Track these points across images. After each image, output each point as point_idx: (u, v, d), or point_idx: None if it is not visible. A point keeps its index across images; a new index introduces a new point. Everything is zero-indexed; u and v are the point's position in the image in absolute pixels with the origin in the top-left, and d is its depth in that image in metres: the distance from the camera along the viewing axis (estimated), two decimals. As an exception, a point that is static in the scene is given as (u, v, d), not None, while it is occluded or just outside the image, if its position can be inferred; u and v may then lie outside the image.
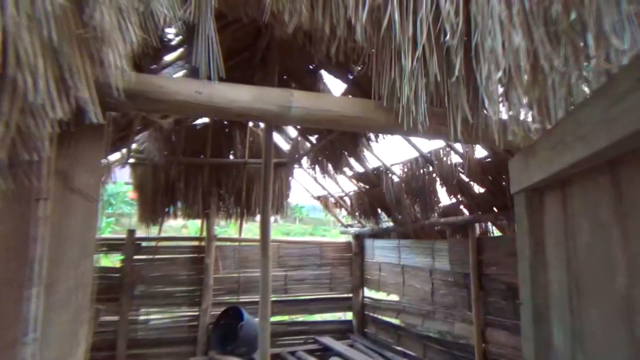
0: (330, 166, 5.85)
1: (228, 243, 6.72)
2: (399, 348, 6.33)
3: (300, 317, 6.93)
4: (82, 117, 0.89)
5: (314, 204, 8.06)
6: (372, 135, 5.12)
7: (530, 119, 1.35)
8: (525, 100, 1.35)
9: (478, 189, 4.62)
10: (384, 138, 5.04)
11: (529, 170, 1.41)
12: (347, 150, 5.42)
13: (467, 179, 4.52)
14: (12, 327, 0.88)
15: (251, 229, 7.70)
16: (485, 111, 1.33)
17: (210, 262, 6.24)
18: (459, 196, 4.90)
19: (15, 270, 0.88)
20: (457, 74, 1.29)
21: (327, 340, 6.57)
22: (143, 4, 0.84)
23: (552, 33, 1.40)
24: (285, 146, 6.45)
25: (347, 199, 6.71)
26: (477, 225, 5.06)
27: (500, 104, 1.35)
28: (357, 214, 6.56)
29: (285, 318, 6.81)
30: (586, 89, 1.38)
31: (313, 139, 5.77)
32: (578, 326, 1.12)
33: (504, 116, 1.41)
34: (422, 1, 1.25)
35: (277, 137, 6.23)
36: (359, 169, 5.81)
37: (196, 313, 6.19)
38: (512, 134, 1.33)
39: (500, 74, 1.31)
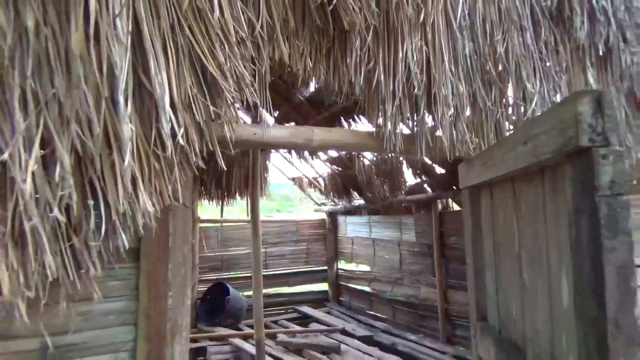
0: (305, 151, 6.48)
1: (211, 225, 7.29)
2: (371, 312, 7.17)
3: (281, 290, 7.65)
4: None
5: (279, 181, 8.63)
6: (344, 123, 5.77)
7: (470, 141, 2.04)
8: (466, 128, 2.04)
9: (439, 170, 5.39)
10: (356, 126, 5.70)
11: (470, 175, 2.11)
12: (334, 125, 6.06)
13: (430, 162, 5.27)
14: (163, 287, 1.51)
15: (229, 210, 8.27)
16: (441, 136, 2.01)
17: (195, 243, 6.82)
18: (422, 176, 5.68)
19: (163, 252, 1.50)
20: (422, 113, 1.96)
21: (306, 309, 7.34)
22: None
23: (486, 81, 2.08)
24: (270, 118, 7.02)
25: (320, 180, 7.38)
26: (439, 202, 5.86)
27: (451, 131, 2.03)
28: (330, 193, 7.26)
29: (267, 291, 7.51)
30: (507, 121, 2.09)
31: (276, 114, 6.36)
32: (498, 276, 1.84)
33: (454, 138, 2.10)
34: (399, 66, 1.89)
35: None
36: (333, 153, 6.47)
37: (184, 290, 6.80)
38: (459, 151, 2.02)
39: (451, 111, 1.99)
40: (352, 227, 7.59)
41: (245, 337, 5.92)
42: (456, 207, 5.83)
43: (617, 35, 2.32)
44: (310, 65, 1.75)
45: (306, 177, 7.48)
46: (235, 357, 5.63)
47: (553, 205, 1.18)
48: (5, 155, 1.07)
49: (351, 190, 7.05)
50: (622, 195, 0.95)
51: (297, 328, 6.50)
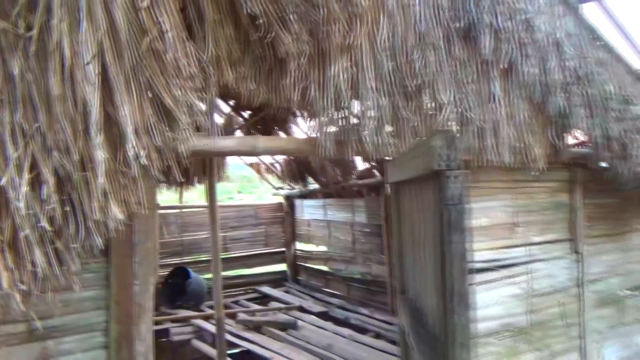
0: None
1: (170, 211, 7.52)
2: (327, 290, 7.64)
3: (241, 272, 8.01)
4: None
5: (239, 162, 8.85)
6: (298, 112, 6.11)
7: (392, 144, 2.44)
8: (389, 134, 2.43)
9: (386, 157, 5.83)
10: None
11: (393, 172, 2.52)
12: (277, 125, 6.37)
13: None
14: (130, 277, 1.85)
15: (189, 195, 8.50)
16: (366, 140, 2.39)
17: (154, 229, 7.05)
18: (371, 162, 6.11)
19: (129, 249, 1.83)
20: (350, 122, 2.34)
21: (266, 289, 7.74)
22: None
23: (405, 94, 2.48)
24: (219, 120, 7.25)
25: (277, 165, 7.71)
26: (386, 185, 6.32)
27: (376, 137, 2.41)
28: (287, 178, 7.61)
29: (227, 273, 7.85)
30: (423, 127, 2.49)
31: (245, 114, 6.63)
32: (412, 256, 2.27)
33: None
34: (329, 84, 2.25)
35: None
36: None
37: (145, 275, 7.04)
38: (382, 153, 2.42)
39: (374, 120, 2.37)
40: (309, 210, 7.99)
41: (206, 318, 6.27)
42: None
43: (517, 51, 2.76)
44: (253, 87, 2.08)
45: (263, 163, 7.79)
46: (197, 336, 5.99)
47: (431, 201, 1.59)
48: (3, 181, 1.37)
49: (306, 175, 7.42)
50: (461, 204, 1.35)
51: (257, 307, 6.90)
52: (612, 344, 3.62)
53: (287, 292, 7.77)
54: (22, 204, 1.38)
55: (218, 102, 6.12)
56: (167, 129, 1.68)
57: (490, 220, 3.09)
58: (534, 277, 3.26)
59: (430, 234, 1.61)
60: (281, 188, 8.28)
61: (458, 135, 1.94)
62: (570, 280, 3.45)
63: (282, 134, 6.57)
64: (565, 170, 3.41)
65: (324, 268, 7.85)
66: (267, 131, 6.56)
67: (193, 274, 6.96)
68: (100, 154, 1.51)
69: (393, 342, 5.24)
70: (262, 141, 2.25)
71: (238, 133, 7.08)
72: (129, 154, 1.56)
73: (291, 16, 2.00)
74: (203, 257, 7.46)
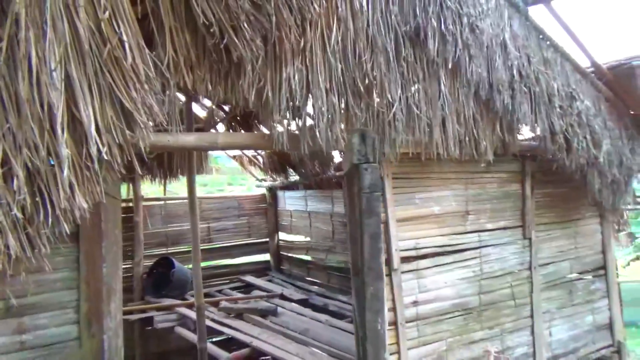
0: (242, 131, 6.97)
1: (154, 202, 7.71)
2: (309, 278, 7.89)
3: (225, 262, 8.23)
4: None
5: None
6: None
7: (343, 138, 2.66)
8: (341, 129, 2.65)
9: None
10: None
11: (345, 164, 2.74)
12: (257, 119, 6.57)
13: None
14: (98, 260, 2.06)
15: (173, 187, 8.69)
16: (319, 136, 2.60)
17: (139, 220, 7.23)
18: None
19: (97, 235, 2.05)
20: (304, 119, 2.55)
21: (249, 278, 7.97)
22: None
23: (355, 93, 2.70)
24: (202, 113, 7.43)
25: (260, 157, 7.91)
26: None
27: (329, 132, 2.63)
28: (269, 170, 7.82)
29: (211, 263, 8.07)
30: (373, 123, 2.71)
31: (226, 108, 6.82)
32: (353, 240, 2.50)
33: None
34: (283, 85, 2.46)
35: (194, 107, 7.18)
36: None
37: (130, 265, 7.22)
38: (334, 147, 2.64)
39: (326, 117, 2.58)
40: (291, 201, 8.21)
41: (190, 306, 6.48)
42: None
43: (463, 52, 2.98)
44: (210, 88, 2.29)
45: (246, 156, 7.99)
46: (180, 323, 6.21)
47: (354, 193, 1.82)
48: None
49: (287, 167, 7.63)
50: (376, 192, 1.58)
51: (239, 295, 7.13)
52: (560, 323, 3.90)
53: (270, 281, 8.00)
54: (4, 198, 1.59)
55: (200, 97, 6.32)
56: (126, 128, 1.89)
57: (443, 208, 3.33)
58: (485, 261, 3.52)
59: (356, 218, 1.84)
60: (264, 180, 8.48)
61: (372, 133, 2.19)
62: (520, 264, 3.71)
63: (262, 127, 6.79)
64: (515, 161, 3.66)
65: (306, 257, 8.09)
66: (247, 124, 6.77)
67: (177, 264, 7.16)
68: (65, 151, 1.72)
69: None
70: (221, 137, 2.47)
71: (220, 126, 7.29)
72: (91, 150, 1.77)
73: (243, 24, 2.21)
74: (187, 248, 7.65)
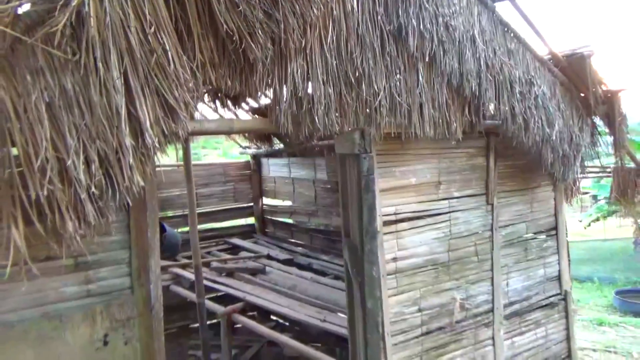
0: (229, 102, 7.43)
1: (144, 169, 8.14)
2: (292, 240, 8.58)
3: (212, 225, 8.83)
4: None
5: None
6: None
7: (338, 123, 3.23)
8: (336, 115, 3.22)
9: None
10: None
11: (339, 146, 3.33)
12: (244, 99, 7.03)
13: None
14: (144, 226, 2.64)
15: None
16: (317, 121, 3.17)
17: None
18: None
19: (143, 205, 2.61)
20: (304, 107, 3.11)
21: (236, 240, 8.61)
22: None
23: (347, 84, 3.25)
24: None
25: (244, 126, 8.38)
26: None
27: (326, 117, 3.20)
28: (253, 138, 8.33)
29: (200, 227, 8.64)
30: (363, 110, 3.29)
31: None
32: (349, 210, 3.13)
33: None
34: (288, 79, 3.00)
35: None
36: (254, 104, 7.47)
37: (123, 229, 7.76)
38: (330, 130, 3.21)
39: (323, 105, 3.14)
40: (274, 168, 8.78)
41: (183, 266, 7.11)
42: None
43: (438, 47, 3.55)
44: (229, 83, 2.83)
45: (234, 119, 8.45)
46: (175, 282, 6.84)
47: (355, 174, 2.42)
48: (69, 163, 2.11)
49: (272, 135, 8.15)
50: (371, 175, 2.17)
51: (228, 256, 7.78)
52: (516, 275, 4.67)
53: (255, 243, 8.66)
54: (81, 177, 2.13)
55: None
56: (171, 121, 2.43)
57: (419, 179, 3.98)
58: (453, 224, 4.21)
59: (355, 193, 2.44)
60: (248, 147, 8.99)
61: (370, 132, 2.80)
62: (484, 226, 4.42)
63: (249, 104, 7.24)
64: (481, 138, 4.31)
65: (289, 221, 8.74)
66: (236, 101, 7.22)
67: (168, 228, 7.72)
68: (128, 141, 2.26)
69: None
70: (236, 123, 3.02)
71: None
72: (146, 140, 2.31)
73: (257, 30, 2.73)
74: (177, 213, 8.19)
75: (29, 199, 2.12)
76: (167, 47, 2.41)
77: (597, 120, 4.79)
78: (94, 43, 2.17)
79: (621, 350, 8.02)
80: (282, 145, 8.21)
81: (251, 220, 9.26)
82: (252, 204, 9.15)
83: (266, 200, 9.28)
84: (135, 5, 2.33)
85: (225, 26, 2.63)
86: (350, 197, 2.79)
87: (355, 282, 2.37)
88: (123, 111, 2.25)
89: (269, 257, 7.72)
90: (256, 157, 9.05)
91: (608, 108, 4.64)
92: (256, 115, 7.69)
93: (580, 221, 13.89)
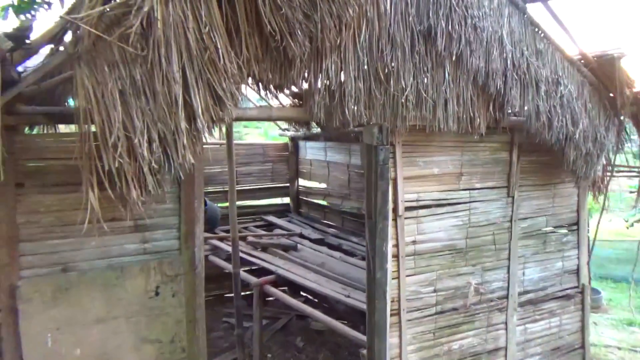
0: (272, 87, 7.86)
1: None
2: (324, 221, 9.02)
3: (250, 202, 9.38)
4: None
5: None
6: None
7: (366, 115, 3.60)
8: (365, 107, 3.59)
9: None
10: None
11: (366, 136, 3.70)
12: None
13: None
14: (191, 197, 3.12)
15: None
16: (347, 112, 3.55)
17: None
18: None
19: (191, 179, 3.09)
20: (336, 99, 3.50)
21: (271, 218, 9.14)
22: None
23: (377, 80, 3.61)
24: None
25: (285, 109, 8.82)
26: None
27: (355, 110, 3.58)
28: (292, 122, 8.77)
29: (238, 203, 9.20)
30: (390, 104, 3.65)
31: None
32: (371, 195, 3.52)
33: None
34: (323, 73, 3.39)
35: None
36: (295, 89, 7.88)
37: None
38: (358, 122, 3.59)
39: (353, 98, 3.52)
40: (311, 151, 9.21)
41: (221, 239, 7.68)
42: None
43: (465, 47, 3.85)
44: (270, 77, 3.25)
45: (272, 107, 8.91)
46: (213, 253, 7.42)
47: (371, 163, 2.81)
48: (136, 140, 2.59)
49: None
50: (386, 164, 2.54)
51: (263, 232, 8.31)
52: (533, 266, 4.96)
53: (289, 221, 9.16)
54: (145, 153, 2.61)
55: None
56: (219, 109, 2.88)
57: (441, 170, 4.31)
58: (473, 213, 4.53)
59: (372, 180, 2.83)
60: (287, 130, 9.44)
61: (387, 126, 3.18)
62: (503, 217, 4.72)
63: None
64: (505, 134, 4.58)
65: (323, 202, 9.18)
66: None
67: (209, 202, 8.30)
68: (183, 125, 2.72)
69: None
70: (275, 111, 3.45)
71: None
72: (198, 125, 2.77)
73: (297, 30, 3.12)
74: (217, 189, 8.76)
75: (103, 169, 2.62)
76: (219, 45, 2.84)
77: (625, 121, 4.95)
78: (159, 41, 2.62)
79: (648, 350, 8.12)
80: (319, 130, 8.61)
81: (286, 199, 9.76)
82: (288, 184, 9.64)
83: (302, 182, 9.74)
84: (193, 8, 2.77)
85: (269, 26, 3.03)
86: (370, 183, 3.18)
87: (371, 257, 2.77)
88: (180, 99, 2.70)
89: (301, 235, 8.21)
90: (294, 140, 9.49)
91: (637, 109, 4.80)
92: (295, 100, 8.12)
93: (626, 220, 13.70)
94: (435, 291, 4.36)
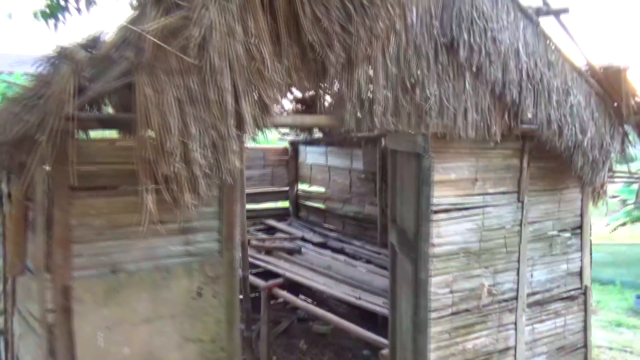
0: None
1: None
2: (325, 225, 9.21)
3: (250, 206, 9.49)
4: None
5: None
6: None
7: (393, 123, 3.80)
8: (391, 116, 3.79)
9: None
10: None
11: (391, 142, 3.90)
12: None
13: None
14: (232, 201, 3.27)
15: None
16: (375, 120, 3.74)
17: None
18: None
19: (232, 186, 3.25)
20: (365, 107, 3.69)
21: (271, 221, 9.30)
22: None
23: (403, 89, 3.81)
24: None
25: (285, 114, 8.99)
26: (382, 139, 7.70)
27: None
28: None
29: (238, 207, 9.31)
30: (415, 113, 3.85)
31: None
32: (400, 197, 3.72)
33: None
34: (354, 83, 3.57)
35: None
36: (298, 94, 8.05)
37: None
38: (386, 129, 3.78)
39: (381, 107, 3.72)
40: (311, 156, 9.39)
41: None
42: (396, 144, 7.72)
43: (485, 59, 4.08)
44: (306, 85, 3.42)
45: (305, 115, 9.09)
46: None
47: (412, 168, 3.00)
48: (190, 145, 2.74)
49: (312, 124, 8.74)
50: (430, 171, 2.74)
51: (266, 236, 8.46)
52: (541, 268, 5.21)
53: (289, 225, 9.33)
54: (199, 159, 2.76)
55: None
56: (266, 116, 3.05)
57: (457, 175, 4.52)
58: (486, 217, 4.76)
59: (413, 185, 3.02)
60: (287, 134, 9.61)
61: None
62: (514, 221, 4.96)
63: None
64: (517, 141, 4.83)
65: (322, 206, 9.37)
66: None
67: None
68: (233, 131, 2.88)
69: (380, 267, 6.85)
70: (307, 118, 3.62)
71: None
72: (247, 131, 2.94)
73: (334, 42, 3.31)
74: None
75: (157, 174, 2.76)
76: (265, 55, 3.01)
77: (629, 130, 5.26)
78: (214, 52, 2.78)
79: (638, 351, 8.48)
80: (320, 135, 8.79)
81: (286, 203, 9.91)
82: (287, 188, 9.80)
83: (301, 186, 9.91)
84: (242, 20, 2.93)
85: (309, 37, 3.21)
86: (402, 188, 3.39)
87: (409, 259, 2.96)
88: (231, 107, 2.86)
89: (303, 239, 8.38)
90: (294, 144, 9.67)
91: None
92: (298, 106, 8.29)
93: (608, 224, 14.20)
94: (451, 292, 4.56)
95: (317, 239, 8.39)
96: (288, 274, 6.66)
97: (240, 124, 2.96)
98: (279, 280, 6.57)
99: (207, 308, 3.25)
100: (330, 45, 3.31)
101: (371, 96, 3.72)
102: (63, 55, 2.39)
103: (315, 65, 3.43)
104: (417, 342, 2.81)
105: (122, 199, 3.03)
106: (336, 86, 3.58)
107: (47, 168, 2.61)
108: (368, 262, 7.27)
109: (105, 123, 2.89)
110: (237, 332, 3.45)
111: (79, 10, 4.11)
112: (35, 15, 4.21)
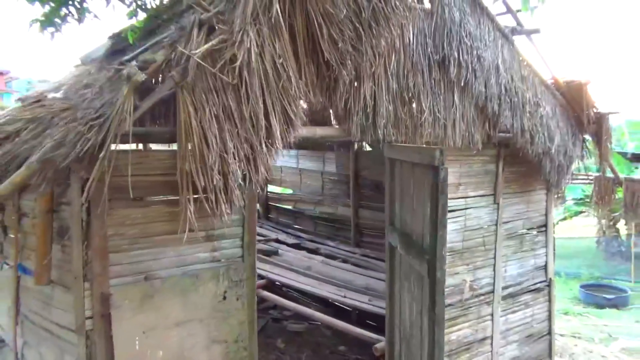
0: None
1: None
2: (296, 226, 9.49)
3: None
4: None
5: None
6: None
7: (393, 134, 4.16)
8: (392, 126, 4.15)
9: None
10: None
11: (390, 152, 4.26)
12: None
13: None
14: (252, 213, 3.50)
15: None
16: (378, 131, 4.09)
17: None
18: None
19: (253, 198, 3.46)
20: (370, 119, 4.03)
21: (243, 224, 9.45)
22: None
23: (402, 102, 4.18)
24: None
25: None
26: (355, 143, 8.09)
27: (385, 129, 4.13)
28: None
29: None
30: (411, 124, 4.23)
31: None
32: (401, 204, 4.08)
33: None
34: (360, 97, 3.90)
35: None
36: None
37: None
38: (387, 139, 4.14)
39: (384, 120, 4.07)
40: (282, 158, 9.62)
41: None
42: (368, 148, 8.12)
43: (471, 75, 4.53)
44: (320, 99, 3.72)
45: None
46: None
47: (425, 178, 3.36)
48: (230, 159, 2.97)
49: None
50: (446, 182, 3.11)
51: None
52: (513, 263, 5.76)
53: (260, 227, 9.51)
54: (237, 171, 3.00)
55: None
56: (290, 128, 3.32)
57: (444, 180, 4.96)
58: (467, 218, 5.24)
59: (427, 194, 3.38)
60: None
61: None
62: (490, 221, 5.47)
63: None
64: (494, 148, 5.33)
65: (291, 207, 9.63)
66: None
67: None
68: (264, 144, 3.13)
69: (357, 266, 7.22)
70: (319, 130, 3.92)
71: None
72: (276, 145, 3.20)
73: (347, 61, 3.62)
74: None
75: (197, 184, 2.97)
76: (290, 73, 3.28)
77: (587, 137, 5.91)
78: (249, 72, 3.02)
79: (585, 336, 9.37)
80: (293, 137, 9.05)
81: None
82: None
83: (271, 188, 10.12)
84: (271, 41, 3.19)
85: (327, 56, 3.51)
86: (403, 194, 3.80)
87: (421, 260, 3.32)
88: (262, 122, 3.12)
89: (277, 240, 8.62)
90: (264, 147, 9.85)
91: (597, 127, 5.75)
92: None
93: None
94: (438, 288, 5.00)
95: (291, 240, 8.66)
96: (271, 276, 6.90)
97: (269, 138, 3.21)
98: (260, 282, 6.78)
99: (231, 310, 3.47)
100: (344, 63, 3.63)
101: (375, 109, 4.07)
102: (125, 77, 2.56)
103: (329, 81, 3.73)
104: (434, 334, 3.17)
105: (154, 209, 3.21)
106: (345, 100, 3.89)
107: (90, 180, 2.74)
108: (344, 261, 7.62)
109: (152, 137, 3.07)
110: (256, 333, 3.70)
111: (79, 20, 4.19)
112: (33, 22, 4.25)
